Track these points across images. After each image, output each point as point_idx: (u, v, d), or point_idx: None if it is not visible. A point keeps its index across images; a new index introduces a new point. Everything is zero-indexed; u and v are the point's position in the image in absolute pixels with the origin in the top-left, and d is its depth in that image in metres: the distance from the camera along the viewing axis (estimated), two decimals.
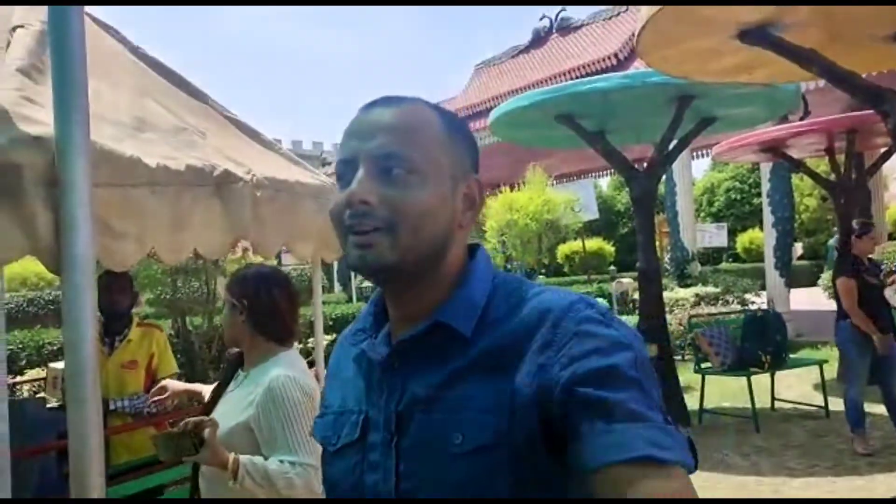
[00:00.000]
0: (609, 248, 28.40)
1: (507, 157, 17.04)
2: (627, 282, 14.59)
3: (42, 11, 3.07)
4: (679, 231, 15.30)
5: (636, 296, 13.00)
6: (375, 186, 0.97)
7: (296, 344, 8.66)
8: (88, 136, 2.45)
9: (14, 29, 3.04)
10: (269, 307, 2.48)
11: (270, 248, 3.54)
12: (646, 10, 4.28)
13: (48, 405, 3.61)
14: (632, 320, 9.36)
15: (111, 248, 2.77)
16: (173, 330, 8.49)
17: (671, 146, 7.79)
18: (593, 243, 26.79)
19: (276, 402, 2.31)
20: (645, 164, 8.11)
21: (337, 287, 25.31)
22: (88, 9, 2.60)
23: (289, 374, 2.38)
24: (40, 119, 2.59)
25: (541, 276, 19.37)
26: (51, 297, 17.16)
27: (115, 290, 4.05)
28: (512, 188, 13.77)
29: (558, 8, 20.56)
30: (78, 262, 2.44)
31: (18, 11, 3.15)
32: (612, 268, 20.86)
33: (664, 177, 11.67)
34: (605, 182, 35.54)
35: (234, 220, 3.26)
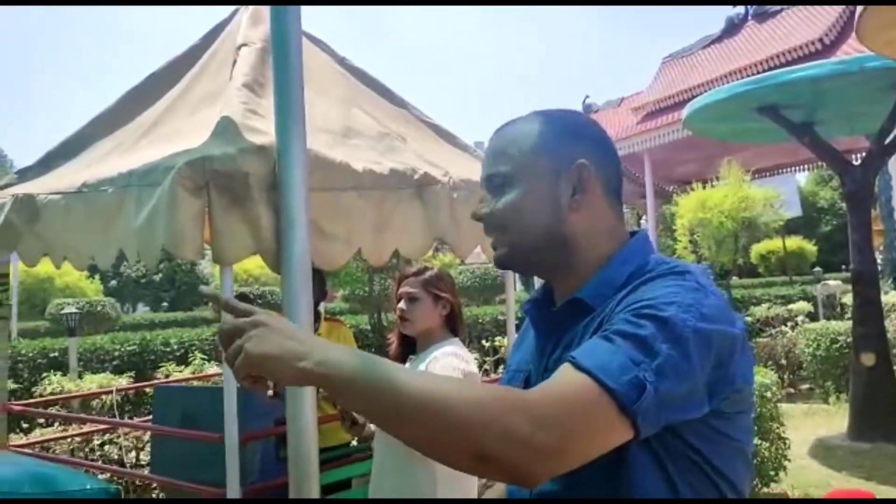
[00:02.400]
0: (811, 247, 26.32)
1: (697, 152, 16.27)
2: (835, 284, 13.42)
3: (264, 30, 3.34)
4: (895, 229, 13.85)
5: (844, 299, 11.92)
6: (489, 202, 1.20)
7: (483, 342, 8.73)
8: (305, 144, 2.61)
9: (239, 48, 3.32)
10: (457, 304, 2.75)
11: (466, 248, 3.61)
12: None
13: (268, 392, 3.92)
14: (841, 326, 8.62)
15: (322, 249, 2.95)
16: (370, 325, 8.90)
17: (891, 136, 7.06)
18: (792, 242, 24.96)
19: (440, 368, 2.52)
20: (857, 157, 7.40)
21: (518, 286, 25.47)
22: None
23: (457, 352, 2.61)
24: (263, 129, 2.81)
25: (734, 278, 18.27)
26: (259, 293, 18.68)
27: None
28: (704, 184, 13.08)
29: None
30: (296, 261, 2.62)
31: (243, 31, 3.44)
32: (817, 269, 19.24)
33: None
34: (803, 177, 32.91)
35: (433, 221, 3.36)
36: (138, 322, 20.71)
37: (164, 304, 28.42)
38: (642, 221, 22.70)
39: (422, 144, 3.72)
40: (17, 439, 5.49)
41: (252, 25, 3.50)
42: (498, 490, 1.47)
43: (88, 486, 1.36)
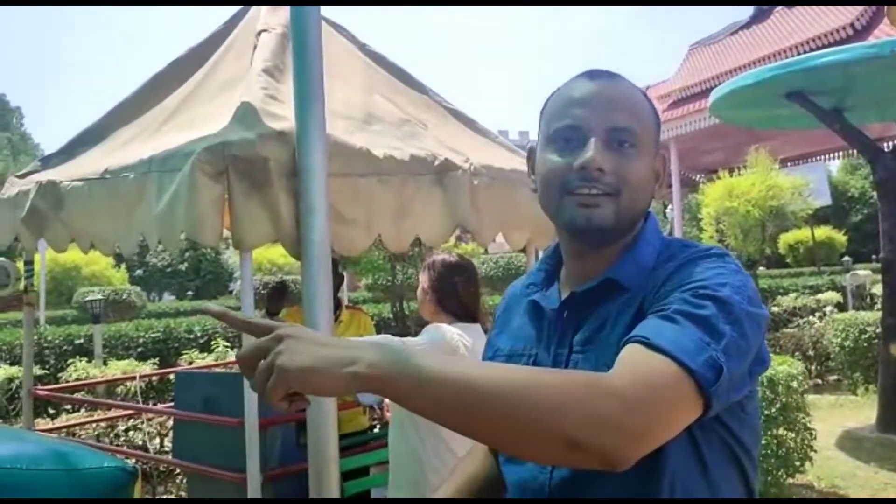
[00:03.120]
0: (840, 237, 25.90)
1: (724, 140, 16.04)
2: (864, 273, 13.21)
3: (284, 16, 3.32)
4: None
5: (874, 289, 11.72)
6: (609, 156, 1.07)
7: None
8: (325, 130, 2.59)
9: (259, 33, 3.31)
10: (450, 290, 2.71)
11: (487, 235, 3.57)
12: None
13: None
14: (870, 316, 8.47)
15: (342, 235, 2.94)
16: (392, 314, 8.90)
17: None
18: (821, 232, 24.59)
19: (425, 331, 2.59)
20: (888, 145, 7.24)
21: None
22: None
23: (449, 328, 2.59)
24: (283, 115, 2.80)
25: (761, 268, 18.04)
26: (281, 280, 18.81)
27: None
28: (730, 173, 12.88)
29: None
30: (315, 246, 2.61)
31: (263, 16, 3.43)
32: (846, 258, 18.93)
33: None
34: (834, 165, 32.37)
35: (454, 207, 3.33)
36: (163, 310, 20.94)
37: (190, 292, 28.71)
38: (668, 210, 22.50)
39: (443, 130, 3.69)
40: (43, 424, 5.57)
41: (272, 11, 3.49)
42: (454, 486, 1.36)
43: (106, 464, 1.37)
